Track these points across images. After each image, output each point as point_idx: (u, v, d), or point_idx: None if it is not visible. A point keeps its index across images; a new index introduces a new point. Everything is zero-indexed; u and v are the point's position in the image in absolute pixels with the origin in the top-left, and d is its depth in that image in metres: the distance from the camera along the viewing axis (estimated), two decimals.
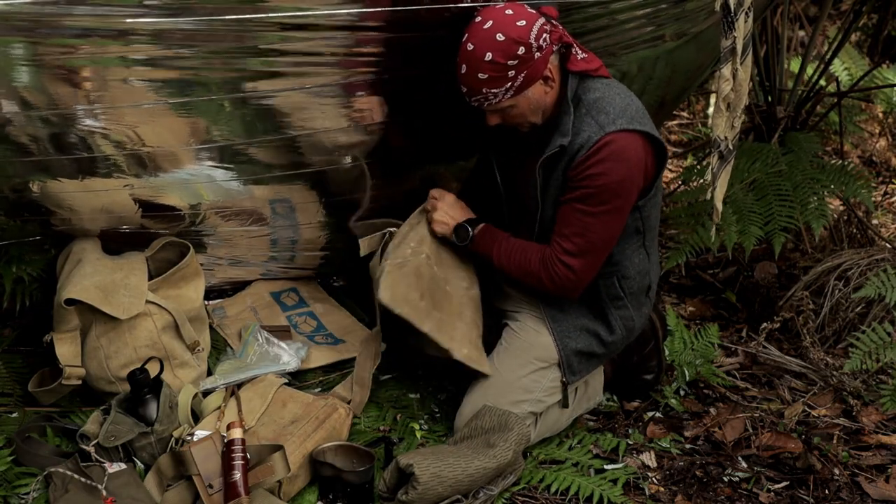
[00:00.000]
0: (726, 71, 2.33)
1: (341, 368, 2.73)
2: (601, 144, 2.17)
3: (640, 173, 2.23)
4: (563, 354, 2.41)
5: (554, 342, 2.40)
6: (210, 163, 2.41)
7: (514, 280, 2.41)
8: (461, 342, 2.36)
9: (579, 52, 2.25)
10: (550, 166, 2.27)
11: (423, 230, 2.47)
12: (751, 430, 2.58)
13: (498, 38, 2.10)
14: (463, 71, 2.15)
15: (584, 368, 2.46)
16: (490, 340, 2.54)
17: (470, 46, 2.13)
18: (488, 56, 2.11)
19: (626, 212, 2.27)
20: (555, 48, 2.18)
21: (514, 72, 2.13)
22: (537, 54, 2.14)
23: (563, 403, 2.47)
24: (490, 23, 2.12)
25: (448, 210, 2.43)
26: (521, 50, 2.11)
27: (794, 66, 4.26)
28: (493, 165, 2.45)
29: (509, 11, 2.14)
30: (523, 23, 2.12)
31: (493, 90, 2.15)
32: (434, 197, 2.46)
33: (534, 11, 2.17)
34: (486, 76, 2.13)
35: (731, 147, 2.47)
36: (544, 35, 2.14)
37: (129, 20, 1.99)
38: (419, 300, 2.32)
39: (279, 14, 2.09)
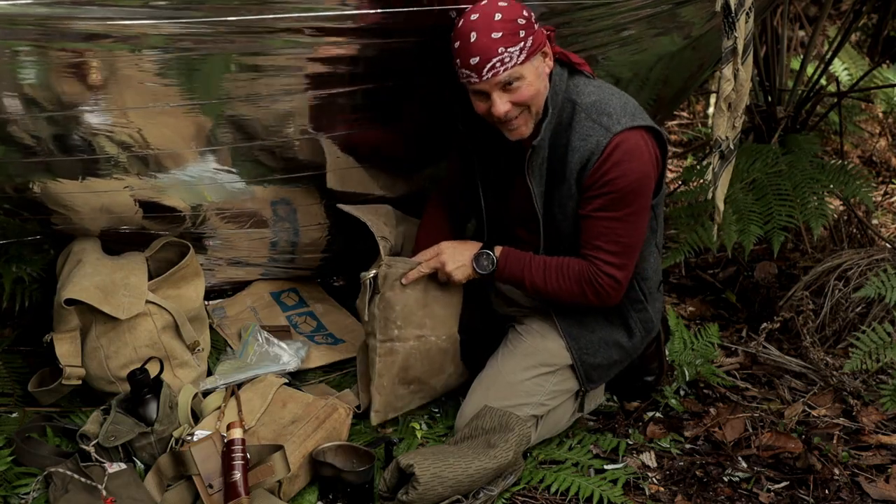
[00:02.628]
0: (727, 71, 2.33)
1: (341, 368, 2.74)
2: (612, 147, 2.17)
3: (653, 167, 2.23)
4: (582, 368, 2.41)
5: (570, 355, 2.40)
6: (214, 164, 2.41)
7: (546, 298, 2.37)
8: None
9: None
10: (554, 175, 2.26)
11: (405, 299, 2.40)
12: (751, 430, 2.58)
13: (500, 3, 2.13)
14: (473, 39, 2.11)
15: (603, 377, 2.48)
16: (482, 342, 2.55)
17: (474, 16, 2.12)
18: (498, 16, 2.10)
19: (648, 208, 2.27)
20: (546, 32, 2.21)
21: (523, 32, 2.12)
22: (536, 25, 2.16)
23: (580, 408, 2.49)
24: (484, 1, 2.14)
25: (454, 254, 2.37)
26: (525, 13, 2.13)
27: (794, 66, 4.26)
28: (479, 187, 2.44)
29: None
30: (513, 3, 2.15)
31: (508, 49, 2.11)
32: (429, 258, 2.38)
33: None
34: (500, 34, 2.10)
35: (732, 147, 2.47)
36: (534, 16, 2.17)
37: (135, 22, 1.99)
38: (408, 387, 2.48)
39: (284, 16, 2.09)
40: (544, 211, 2.30)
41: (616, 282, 2.27)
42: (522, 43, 2.11)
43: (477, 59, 2.12)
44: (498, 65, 2.12)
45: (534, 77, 2.16)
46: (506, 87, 2.15)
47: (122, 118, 2.20)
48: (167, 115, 2.23)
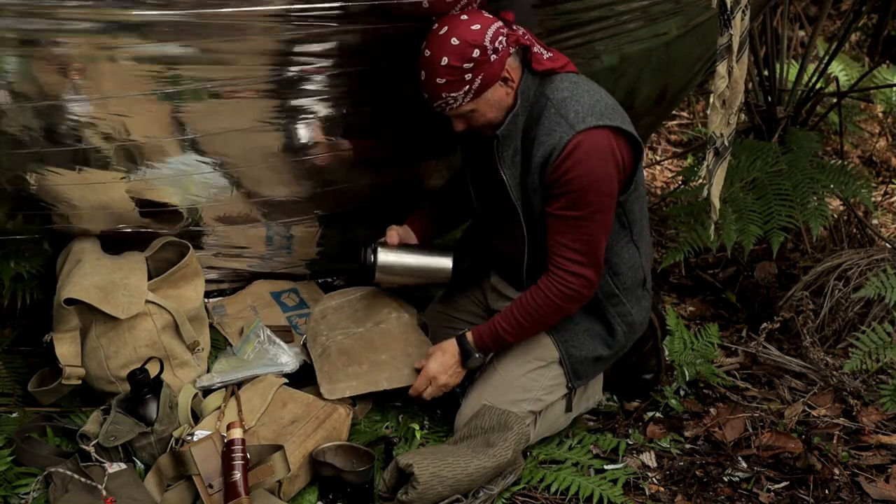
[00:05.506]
0: (722, 68, 2.34)
1: None
2: (572, 146, 2.17)
3: (615, 168, 2.23)
4: (569, 363, 2.41)
5: (557, 349, 2.40)
6: (196, 156, 2.40)
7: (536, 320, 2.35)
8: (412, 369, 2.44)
9: (544, 51, 2.26)
10: (524, 167, 2.26)
11: (331, 320, 2.51)
12: (751, 430, 2.58)
13: (453, 42, 2.13)
14: (423, 77, 2.18)
15: (590, 373, 2.47)
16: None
17: (427, 53, 2.16)
18: (444, 61, 2.13)
19: (613, 206, 2.27)
20: (512, 50, 2.19)
21: (470, 75, 2.14)
22: (493, 56, 2.15)
23: (567, 407, 2.48)
24: (445, 28, 2.15)
25: (442, 366, 2.36)
26: (476, 53, 2.13)
27: (794, 67, 4.26)
28: (469, 183, 2.46)
29: (465, 17, 2.16)
30: (478, 27, 2.14)
31: (451, 94, 2.16)
32: (424, 387, 2.37)
33: (490, 16, 2.19)
34: (444, 80, 2.15)
35: (726, 144, 2.47)
36: (500, 38, 2.16)
37: (118, 12, 2.00)
38: (360, 368, 2.43)
39: (267, 7, 2.09)
40: (522, 201, 2.30)
41: (585, 280, 2.28)
42: (468, 86, 2.16)
43: (426, 96, 2.20)
44: (443, 105, 2.20)
45: (486, 107, 2.21)
46: (457, 115, 2.22)
47: (106, 108, 2.19)
48: (150, 104, 2.23)
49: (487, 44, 2.14)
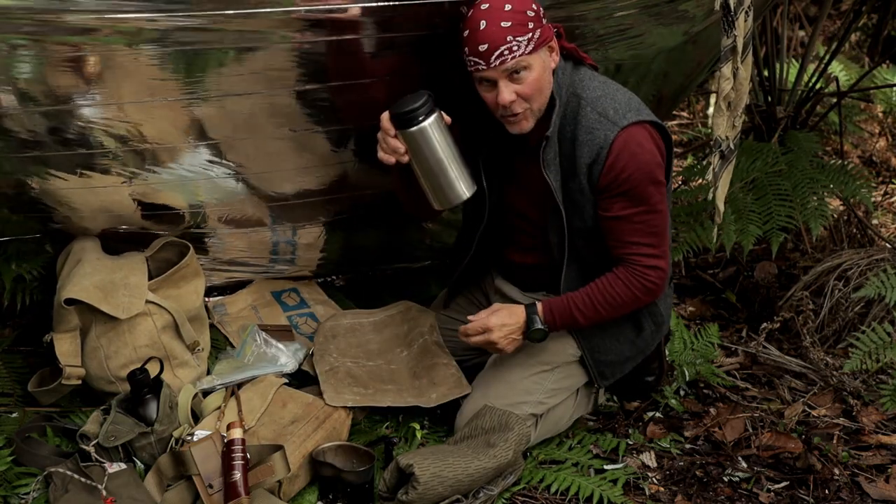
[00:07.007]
0: (727, 70, 2.34)
1: None
2: (621, 144, 2.19)
3: (661, 157, 2.26)
4: (595, 367, 2.43)
5: (583, 353, 2.41)
6: (208, 159, 2.40)
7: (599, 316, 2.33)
8: (424, 396, 2.46)
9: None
10: (565, 169, 2.26)
11: (342, 344, 2.58)
12: (751, 430, 2.58)
13: None
14: (482, 27, 2.13)
15: (616, 373, 2.48)
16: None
17: (485, 6, 2.14)
18: (507, 6, 2.13)
19: (665, 195, 2.30)
20: (554, 30, 2.22)
21: (532, 23, 2.14)
22: (545, 20, 2.18)
23: (594, 406, 2.52)
24: None
25: (503, 325, 2.32)
26: (534, 6, 2.16)
27: (794, 67, 4.26)
28: (483, 183, 2.41)
29: None
30: None
31: (517, 38, 2.13)
32: (472, 331, 2.33)
33: None
34: (510, 23, 2.13)
35: (732, 147, 2.47)
36: (542, 11, 2.19)
37: (131, 16, 1.99)
38: (365, 390, 2.45)
39: (281, 10, 2.09)
40: (565, 204, 2.30)
41: (662, 271, 2.30)
42: (531, 34, 2.14)
43: (486, 46, 2.14)
44: (506, 52, 2.14)
45: (540, 69, 2.18)
46: (512, 75, 2.16)
47: (119, 112, 2.19)
48: (164, 109, 2.23)
49: (539, 8, 2.17)
